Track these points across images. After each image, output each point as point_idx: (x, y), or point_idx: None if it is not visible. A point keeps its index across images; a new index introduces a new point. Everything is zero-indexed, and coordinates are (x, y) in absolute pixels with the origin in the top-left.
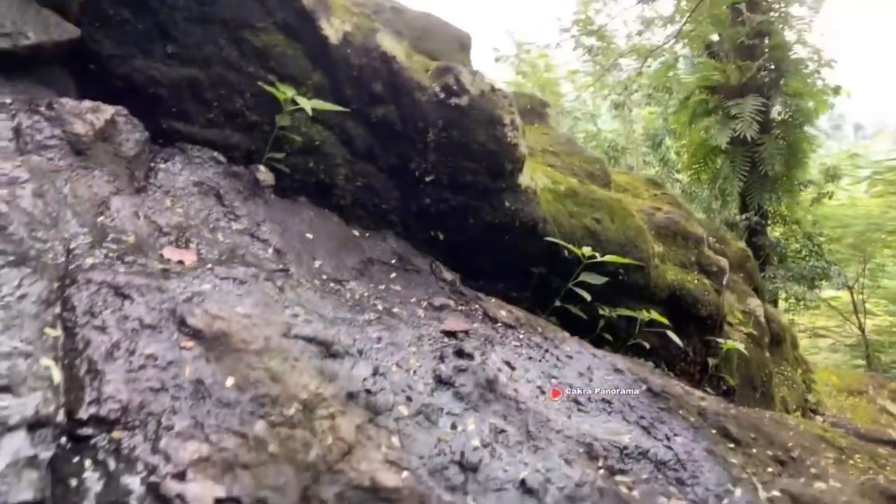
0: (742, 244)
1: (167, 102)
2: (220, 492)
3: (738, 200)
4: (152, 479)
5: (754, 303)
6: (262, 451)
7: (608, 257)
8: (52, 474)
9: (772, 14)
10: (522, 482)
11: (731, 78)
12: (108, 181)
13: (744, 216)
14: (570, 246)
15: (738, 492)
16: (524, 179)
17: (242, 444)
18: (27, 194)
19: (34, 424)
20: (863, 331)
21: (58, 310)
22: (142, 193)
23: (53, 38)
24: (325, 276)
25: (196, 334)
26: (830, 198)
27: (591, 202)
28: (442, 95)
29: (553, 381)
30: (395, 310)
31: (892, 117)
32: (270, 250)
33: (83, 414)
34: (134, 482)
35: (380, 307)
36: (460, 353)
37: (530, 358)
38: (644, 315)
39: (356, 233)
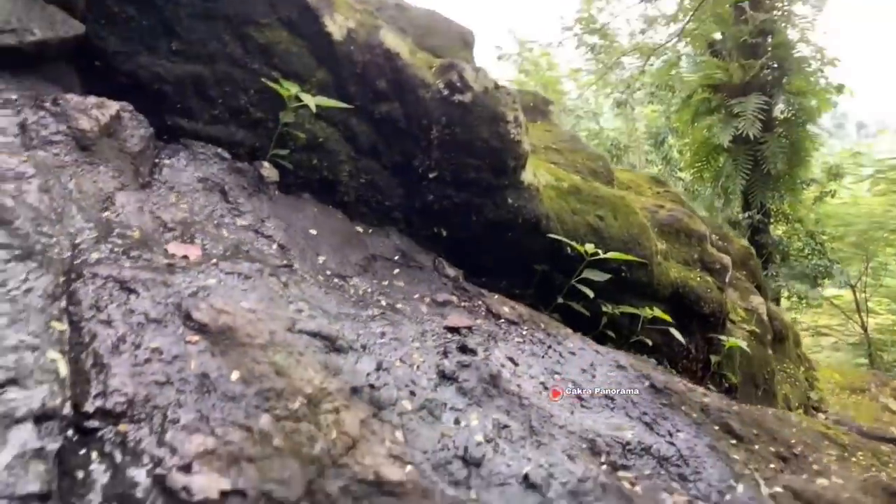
0: (745, 242)
1: (172, 99)
2: (226, 484)
3: (740, 199)
4: (158, 471)
5: (757, 300)
6: (267, 445)
7: (611, 254)
8: (59, 466)
9: (775, 12)
10: (525, 477)
11: (733, 76)
12: (113, 177)
13: (746, 214)
14: (573, 243)
15: (740, 487)
16: (527, 176)
17: (248, 438)
18: (33, 189)
19: (41, 417)
20: (865, 329)
21: (64, 304)
22: (146, 189)
23: (59, 35)
24: (328, 272)
25: (201, 328)
26: (833, 196)
27: (594, 199)
28: (445, 92)
29: (556, 377)
30: (399, 306)
31: (894, 116)
32: (275, 246)
33: (89, 407)
34: (140, 474)
35: (383, 303)
36: (463, 349)
37: (533, 354)
38: (647, 312)
39: (360, 229)
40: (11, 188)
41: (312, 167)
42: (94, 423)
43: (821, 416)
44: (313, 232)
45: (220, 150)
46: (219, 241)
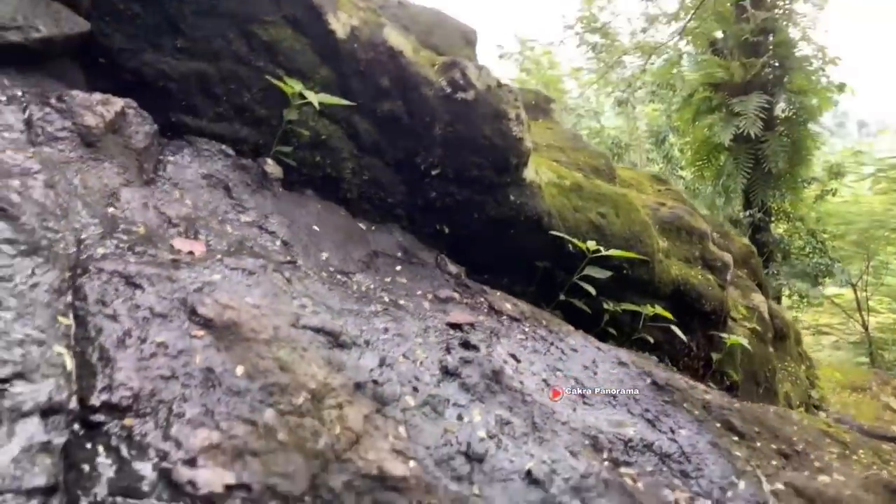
0: (746, 240)
1: (176, 96)
2: (231, 478)
3: (741, 197)
4: (164, 465)
5: (758, 298)
6: (271, 439)
7: (613, 251)
8: (65, 460)
9: (776, 11)
10: (528, 473)
11: (734, 75)
12: (118, 173)
13: (747, 213)
14: (575, 240)
15: (742, 484)
16: (529, 174)
17: (252, 432)
18: (39, 185)
19: (47, 411)
20: (866, 328)
21: (70, 298)
22: (151, 185)
23: (64, 32)
24: (332, 269)
25: (206, 323)
26: (834, 195)
27: (595, 197)
28: (448, 90)
29: (558, 373)
30: (402, 302)
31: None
32: (278, 242)
33: (95, 401)
34: (146, 468)
35: (386, 299)
36: (466, 345)
37: (535, 350)
38: (648, 310)
39: (362, 226)
40: (17, 184)
41: (315, 164)
42: (100, 417)
43: (822, 414)
44: (316, 228)
45: (224, 146)
46: (223, 237)
